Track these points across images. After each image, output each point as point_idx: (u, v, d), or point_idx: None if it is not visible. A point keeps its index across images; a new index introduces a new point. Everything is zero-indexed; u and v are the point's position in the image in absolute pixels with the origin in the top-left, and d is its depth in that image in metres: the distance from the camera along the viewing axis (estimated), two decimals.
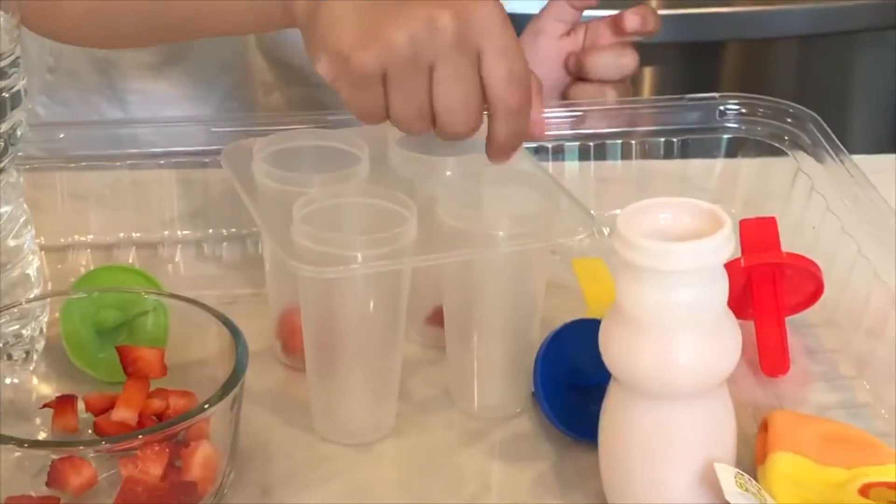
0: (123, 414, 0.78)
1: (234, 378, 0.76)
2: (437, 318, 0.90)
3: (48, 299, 0.85)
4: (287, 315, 0.88)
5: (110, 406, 0.79)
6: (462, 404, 0.86)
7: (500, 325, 0.84)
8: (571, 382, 0.84)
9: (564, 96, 1.10)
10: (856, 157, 0.99)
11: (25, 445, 0.75)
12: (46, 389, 0.82)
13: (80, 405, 0.81)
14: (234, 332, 0.79)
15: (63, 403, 0.80)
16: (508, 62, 0.80)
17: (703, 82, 1.93)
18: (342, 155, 0.88)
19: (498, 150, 0.83)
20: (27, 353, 0.81)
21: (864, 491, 0.75)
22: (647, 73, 2.04)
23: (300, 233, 0.79)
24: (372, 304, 0.81)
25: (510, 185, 0.85)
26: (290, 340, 0.89)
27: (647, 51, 2.04)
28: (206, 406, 0.74)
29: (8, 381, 0.77)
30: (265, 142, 0.88)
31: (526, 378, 0.85)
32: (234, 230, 1.02)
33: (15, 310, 0.82)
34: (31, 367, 0.81)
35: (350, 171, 0.86)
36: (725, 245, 0.72)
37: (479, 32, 0.80)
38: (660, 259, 0.72)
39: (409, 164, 0.88)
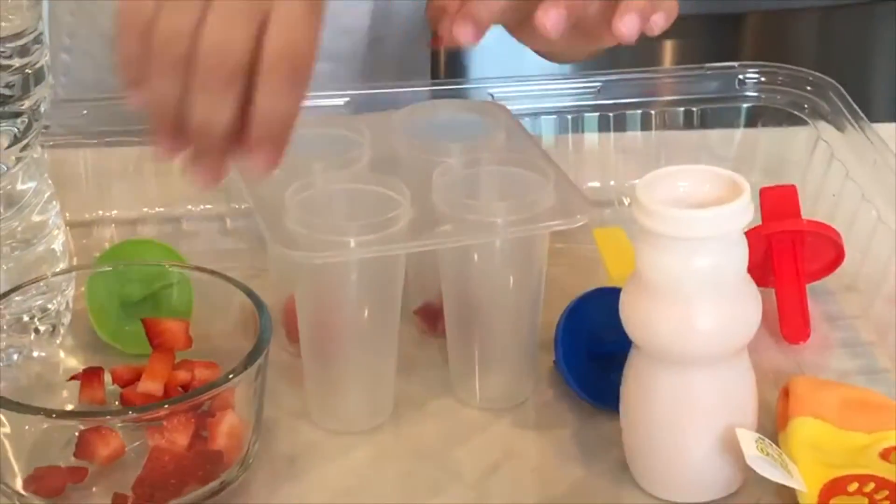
0: (149, 385, 0.79)
1: (258, 348, 0.77)
2: (424, 311, 0.90)
3: (73, 273, 0.85)
4: (291, 303, 0.87)
5: (137, 378, 0.80)
6: (463, 396, 0.86)
7: (501, 314, 0.83)
8: (592, 351, 0.84)
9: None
10: (877, 126, 0.99)
11: (53, 416, 0.76)
12: (73, 362, 0.83)
13: (107, 378, 0.81)
14: (258, 303, 0.80)
15: (90, 376, 0.81)
16: (291, 34, 0.72)
17: (724, 54, 1.93)
18: (343, 141, 0.87)
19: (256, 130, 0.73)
20: (54, 326, 0.81)
21: (886, 454, 0.76)
22: (668, 45, 2.03)
23: (293, 218, 0.78)
24: (365, 290, 0.81)
25: (509, 171, 0.84)
26: (294, 328, 0.87)
27: None
28: (231, 376, 0.75)
29: (35, 354, 0.78)
30: None
31: (530, 367, 0.85)
32: None
33: (41, 284, 0.83)
34: (58, 341, 0.82)
35: (350, 156, 0.85)
36: (745, 211, 0.73)
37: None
38: (679, 226, 0.72)
39: (412, 151, 0.87)
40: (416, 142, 0.87)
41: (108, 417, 0.77)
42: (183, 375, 0.80)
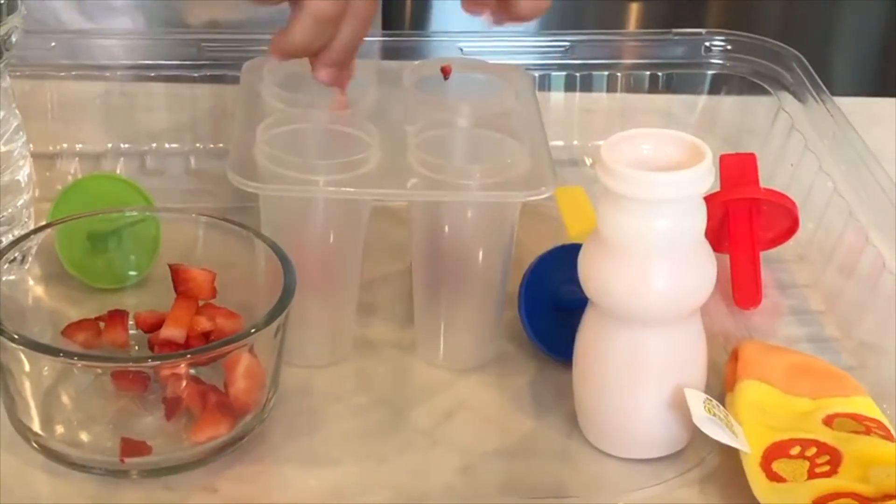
0: (172, 332, 0.79)
1: (282, 304, 0.76)
2: None
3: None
4: None
5: (159, 323, 0.80)
6: (427, 356, 0.86)
7: (469, 275, 0.84)
8: (554, 304, 0.85)
9: None
10: (837, 100, 1.01)
11: (75, 358, 0.76)
12: (39, 291, 0.84)
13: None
14: (283, 259, 0.79)
15: (114, 318, 0.81)
16: None
17: (689, 19, 1.94)
18: (351, 87, 0.86)
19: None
20: (23, 256, 0.82)
21: (829, 421, 0.77)
22: (634, 8, 2.04)
23: (262, 153, 0.79)
24: (329, 227, 0.82)
25: (489, 134, 0.84)
26: None
27: None
28: (253, 330, 0.75)
29: (4, 278, 0.79)
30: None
31: (494, 330, 0.86)
32: (220, 145, 1.03)
33: (3, 215, 0.83)
34: (26, 267, 0.82)
35: (353, 97, 0.85)
36: (705, 177, 0.74)
37: None
38: (641, 188, 0.73)
39: (419, 107, 0.86)
40: (423, 97, 0.87)
41: (131, 364, 0.77)
42: (204, 323, 0.80)
